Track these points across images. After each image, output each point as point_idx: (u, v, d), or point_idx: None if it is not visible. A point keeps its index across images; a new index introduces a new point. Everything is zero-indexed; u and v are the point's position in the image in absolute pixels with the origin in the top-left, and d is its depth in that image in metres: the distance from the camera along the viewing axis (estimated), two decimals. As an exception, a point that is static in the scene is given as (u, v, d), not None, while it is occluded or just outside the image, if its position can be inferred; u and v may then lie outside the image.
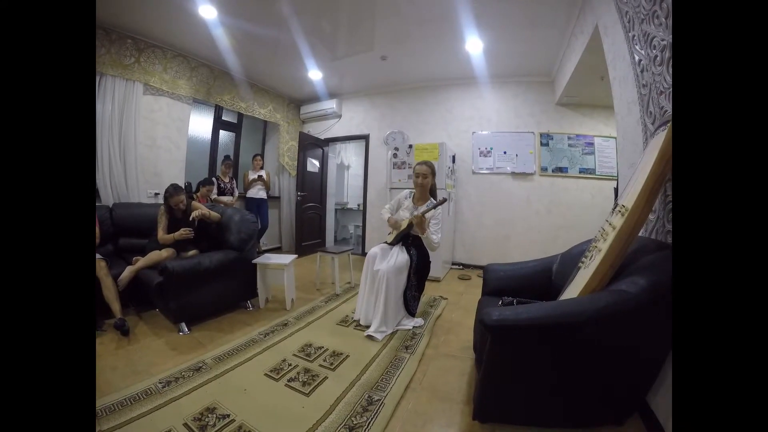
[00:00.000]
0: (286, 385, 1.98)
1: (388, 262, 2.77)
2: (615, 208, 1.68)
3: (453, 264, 5.42)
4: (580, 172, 4.91)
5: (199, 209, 3.12)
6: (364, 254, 5.93)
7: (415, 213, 2.84)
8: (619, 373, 1.47)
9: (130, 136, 3.97)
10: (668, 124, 1.49)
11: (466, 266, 5.37)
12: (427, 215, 2.81)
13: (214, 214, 3.18)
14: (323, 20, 3.84)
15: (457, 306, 3.50)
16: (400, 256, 2.81)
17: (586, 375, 1.46)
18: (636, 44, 2.02)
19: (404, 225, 2.90)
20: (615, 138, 4.76)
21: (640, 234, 1.75)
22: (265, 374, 2.08)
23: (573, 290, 1.67)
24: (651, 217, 1.84)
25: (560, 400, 1.53)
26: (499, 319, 1.37)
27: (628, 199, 1.53)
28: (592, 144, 4.89)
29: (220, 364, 2.17)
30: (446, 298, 3.70)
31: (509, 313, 1.40)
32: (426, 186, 2.95)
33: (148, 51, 4.15)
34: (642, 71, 1.96)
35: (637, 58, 2.03)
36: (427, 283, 3.13)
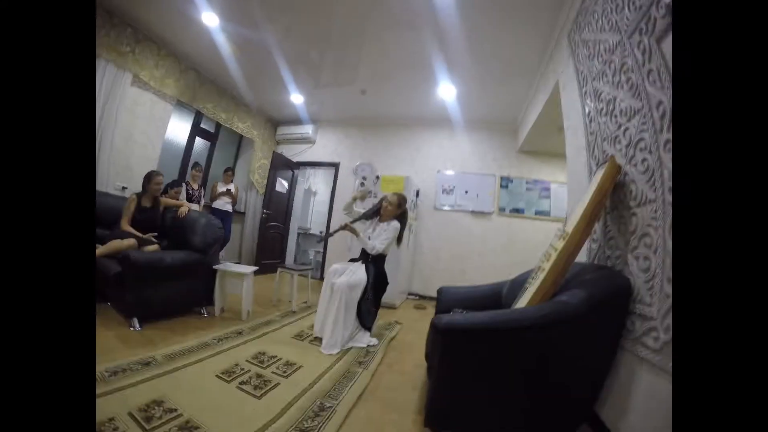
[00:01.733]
0: (237, 387, 1.94)
1: (346, 276, 2.89)
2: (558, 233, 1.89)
3: (410, 294, 5.54)
4: (535, 214, 5.28)
5: (182, 205, 3.25)
6: (322, 279, 5.92)
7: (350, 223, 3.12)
8: (563, 380, 1.56)
9: (110, 124, 3.88)
10: (606, 164, 1.74)
11: (422, 297, 5.49)
12: (379, 230, 3.11)
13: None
14: (312, 49, 4.08)
15: (412, 329, 3.59)
16: (358, 272, 2.94)
17: (532, 381, 1.55)
18: (587, 98, 2.33)
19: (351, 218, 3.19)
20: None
21: (584, 260, 1.97)
22: (217, 375, 2.04)
23: (520, 305, 1.82)
24: (593, 246, 2.06)
25: (510, 407, 1.60)
26: (449, 322, 1.48)
27: (569, 225, 1.74)
28: (548, 189, 5.31)
29: (170, 361, 2.10)
30: (401, 324, 3.77)
31: (459, 318, 1.52)
32: (389, 213, 3.14)
33: (145, 44, 4.18)
34: (590, 121, 2.25)
35: (587, 109, 2.33)
36: (383, 310, 3.24)
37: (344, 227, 3.10)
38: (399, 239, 3.19)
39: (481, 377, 1.56)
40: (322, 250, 6.22)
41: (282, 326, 3.17)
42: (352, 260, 3.17)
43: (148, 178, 3.21)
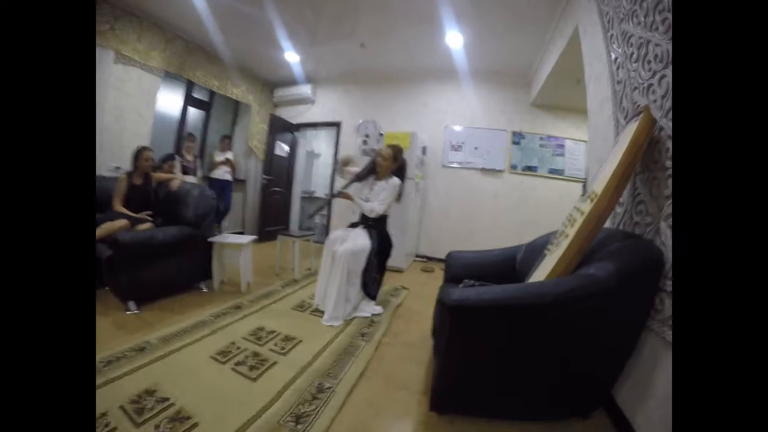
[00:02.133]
0: (232, 369, 1.85)
1: (347, 244, 2.68)
2: (583, 195, 1.65)
3: (417, 256, 5.38)
4: (549, 172, 4.97)
5: (174, 178, 3.15)
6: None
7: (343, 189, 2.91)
8: (583, 362, 1.43)
9: (98, 105, 3.72)
10: (641, 115, 1.48)
11: (430, 259, 5.34)
12: (377, 190, 2.87)
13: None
14: (306, 3, 3.72)
15: (419, 296, 3.45)
16: (360, 239, 2.73)
17: (549, 363, 1.41)
18: (614, 43, 2.04)
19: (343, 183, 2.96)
20: (585, 141, 4.89)
21: (607, 226, 1.75)
22: (211, 357, 1.95)
23: (539, 275, 1.63)
24: (618, 210, 1.85)
25: (523, 390, 1.48)
26: (459, 299, 1.30)
27: (598, 185, 1.49)
28: (562, 146, 4.96)
29: (165, 344, 2.01)
30: (408, 289, 3.63)
31: (471, 294, 1.33)
32: (385, 168, 2.88)
33: (125, 18, 3.91)
34: (618, 68, 1.97)
35: (613, 56, 2.04)
36: (389, 273, 3.07)
37: (336, 195, 2.88)
38: (399, 195, 2.94)
39: (493, 359, 1.42)
40: (326, 213, 6.04)
41: (283, 297, 3.05)
42: (353, 225, 2.97)
43: (137, 154, 3.05)
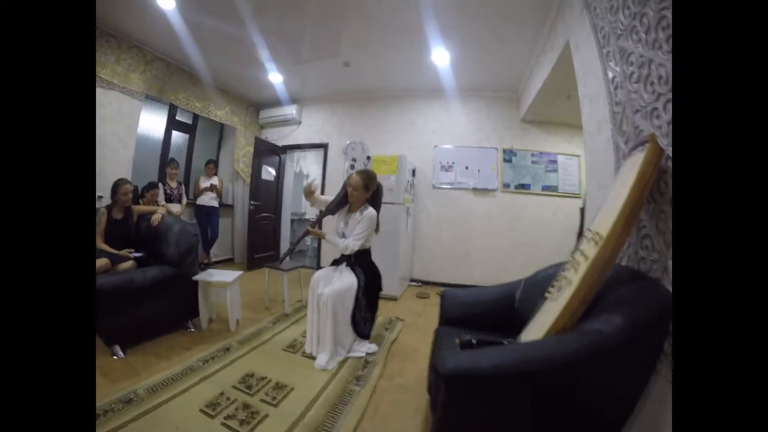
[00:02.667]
0: (222, 423, 1.75)
1: (332, 285, 2.54)
2: (581, 233, 1.57)
3: (411, 281, 5.26)
4: (542, 189, 4.92)
5: (155, 211, 3.05)
6: (318, 267, 5.67)
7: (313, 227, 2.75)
8: (591, 410, 1.32)
9: None
10: (647, 145, 1.39)
11: (425, 283, 5.22)
12: (352, 224, 2.65)
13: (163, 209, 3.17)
14: (288, 21, 3.63)
15: (415, 328, 3.33)
16: (345, 278, 2.58)
17: (556, 416, 1.29)
18: (610, 60, 1.94)
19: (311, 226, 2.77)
20: (578, 156, 4.86)
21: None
22: (201, 410, 1.84)
23: (540, 325, 1.52)
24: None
25: None
26: (455, 368, 1.19)
27: (602, 225, 1.40)
28: (555, 161, 4.93)
29: (153, 396, 1.91)
30: (403, 320, 3.51)
31: (467, 361, 1.22)
32: (357, 198, 2.64)
33: (102, 40, 3.80)
34: (615, 88, 1.88)
35: (610, 75, 1.95)
36: (383, 303, 2.94)
37: (305, 234, 2.75)
38: (377, 226, 2.72)
39: (494, 424, 1.30)
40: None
41: (273, 335, 2.92)
42: (335, 261, 2.79)
43: (115, 188, 2.93)
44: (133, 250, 2.83)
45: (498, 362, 1.20)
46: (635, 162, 1.39)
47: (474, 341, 1.47)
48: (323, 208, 2.81)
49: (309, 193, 2.79)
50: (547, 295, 1.67)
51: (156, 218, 3.00)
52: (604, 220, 1.41)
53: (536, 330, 1.53)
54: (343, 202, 2.75)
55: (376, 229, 2.72)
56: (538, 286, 1.95)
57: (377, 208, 2.71)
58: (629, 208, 1.29)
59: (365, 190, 2.64)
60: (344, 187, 2.71)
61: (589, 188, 2.41)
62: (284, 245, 6.32)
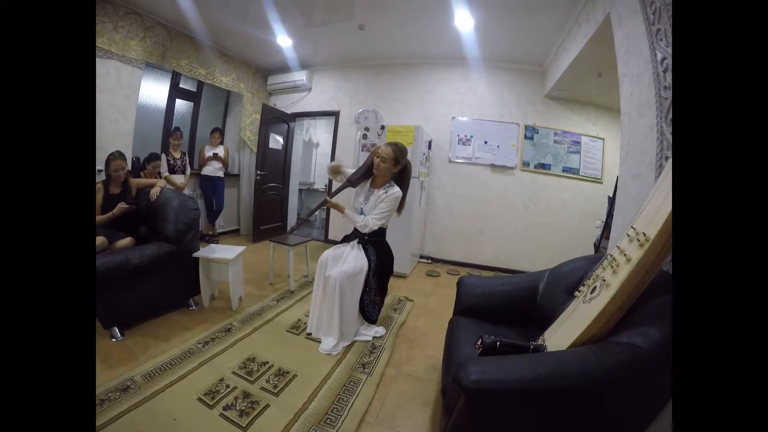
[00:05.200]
0: (220, 414, 1.67)
1: (341, 266, 2.37)
2: (608, 224, 1.36)
3: (421, 257, 5.13)
4: (563, 171, 4.66)
5: (154, 184, 2.92)
6: (327, 241, 5.55)
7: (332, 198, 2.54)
8: (610, 428, 1.20)
9: None
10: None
11: (435, 260, 5.08)
12: (374, 200, 2.45)
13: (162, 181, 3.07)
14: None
15: (424, 310, 3.20)
16: (355, 259, 2.41)
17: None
18: (661, 40, 1.70)
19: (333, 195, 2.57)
20: (603, 139, 4.58)
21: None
22: (199, 398, 1.76)
23: (569, 328, 1.36)
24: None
25: None
26: (480, 380, 1.05)
27: (650, 225, 1.20)
28: (578, 143, 4.64)
29: (150, 382, 1.83)
30: (412, 300, 3.38)
31: (493, 371, 1.08)
32: (385, 172, 2.43)
33: (99, 7, 3.53)
34: (665, 71, 1.65)
35: (660, 55, 1.71)
36: (392, 280, 2.79)
37: (322, 205, 2.54)
38: (400, 207, 2.50)
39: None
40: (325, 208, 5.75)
41: (277, 314, 2.82)
42: (346, 238, 2.62)
43: (107, 164, 2.77)
44: (125, 205, 2.69)
45: (528, 375, 1.07)
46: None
47: (498, 344, 1.30)
48: (343, 183, 2.58)
49: (335, 171, 2.63)
50: (577, 294, 1.50)
51: (154, 192, 2.84)
52: (650, 220, 1.21)
53: (564, 333, 1.38)
54: (366, 175, 2.54)
55: (399, 211, 2.52)
56: (564, 279, 1.83)
57: (404, 187, 2.50)
58: (683, 209, 1.10)
59: (395, 164, 2.41)
60: (370, 157, 2.49)
61: (622, 176, 2.18)
62: (291, 216, 6.19)
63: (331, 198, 2.52)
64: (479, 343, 1.35)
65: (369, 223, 2.40)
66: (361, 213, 2.49)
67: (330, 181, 5.62)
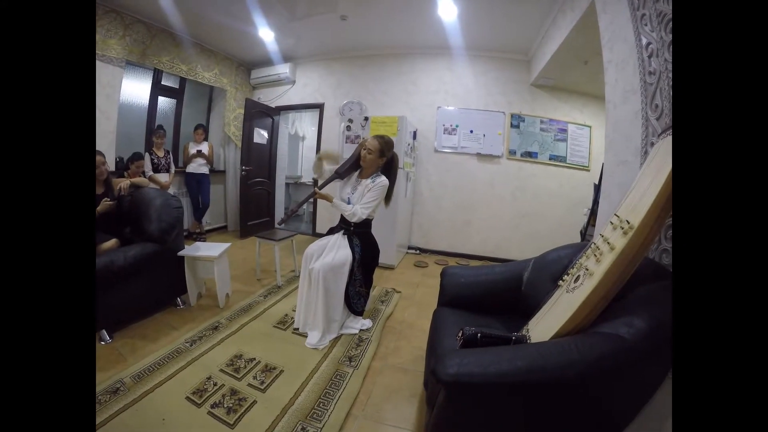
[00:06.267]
0: (208, 412, 1.66)
1: (324, 258, 2.37)
2: (594, 211, 1.37)
3: (409, 248, 5.13)
4: (550, 159, 4.67)
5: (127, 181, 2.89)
6: (314, 234, 5.53)
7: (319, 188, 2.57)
8: (594, 419, 1.21)
9: None
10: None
11: (423, 251, 5.09)
12: (361, 189, 2.49)
13: (144, 180, 3.01)
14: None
15: (411, 301, 3.21)
16: (339, 251, 2.42)
17: (558, 428, 1.19)
18: (645, 25, 1.70)
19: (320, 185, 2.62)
20: (589, 127, 4.60)
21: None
22: (187, 397, 1.76)
23: (553, 318, 1.36)
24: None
25: None
26: (457, 374, 1.05)
27: (633, 213, 1.20)
28: (565, 130, 4.65)
29: (139, 383, 1.82)
30: (399, 291, 3.39)
31: (471, 365, 1.07)
32: (371, 163, 2.48)
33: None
34: (650, 56, 1.65)
35: (644, 41, 1.71)
36: (379, 272, 2.80)
37: (311, 196, 2.56)
38: (388, 197, 2.57)
39: (496, 428, 1.19)
40: (313, 199, 5.69)
41: (264, 310, 2.81)
42: (331, 230, 2.64)
43: None
44: (108, 199, 2.64)
45: (508, 369, 1.06)
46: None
47: (479, 335, 1.30)
48: (331, 174, 2.61)
49: (327, 156, 2.73)
50: (560, 283, 1.50)
51: (123, 185, 2.79)
52: (634, 207, 1.22)
53: (548, 323, 1.38)
54: (354, 167, 2.58)
55: (387, 201, 2.58)
56: (549, 268, 1.83)
57: (391, 178, 2.55)
58: (666, 196, 1.09)
59: (380, 155, 2.46)
60: (358, 149, 2.54)
61: (607, 163, 2.19)
62: (279, 211, 6.14)
63: (319, 189, 2.53)
64: (460, 335, 1.35)
65: (357, 211, 2.41)
66: (349, 203, 2.50)
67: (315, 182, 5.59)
